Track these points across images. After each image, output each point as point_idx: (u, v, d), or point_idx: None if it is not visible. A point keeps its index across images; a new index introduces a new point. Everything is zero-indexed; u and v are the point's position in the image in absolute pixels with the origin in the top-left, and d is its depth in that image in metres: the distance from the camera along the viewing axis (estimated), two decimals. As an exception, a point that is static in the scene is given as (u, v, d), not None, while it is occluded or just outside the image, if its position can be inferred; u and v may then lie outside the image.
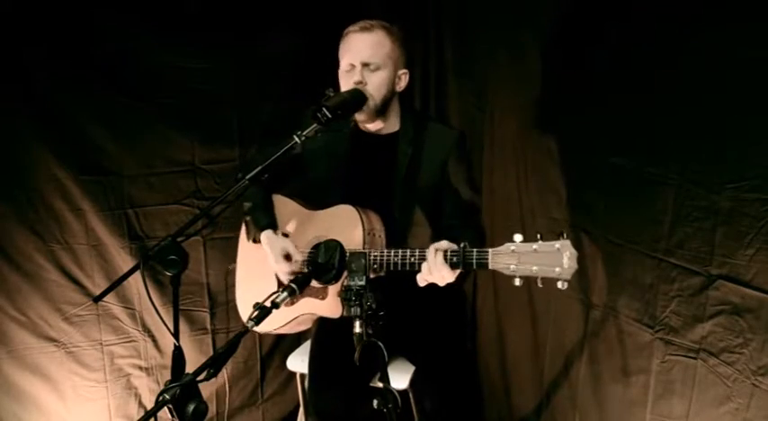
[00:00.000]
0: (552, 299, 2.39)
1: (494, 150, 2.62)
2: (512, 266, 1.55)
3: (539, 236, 1.54)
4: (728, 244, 1.70)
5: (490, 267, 1.58)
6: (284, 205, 2.13)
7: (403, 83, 2.01)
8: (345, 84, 1.94)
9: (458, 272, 1.65)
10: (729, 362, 1.74)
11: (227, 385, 2.78)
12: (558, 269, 1.52)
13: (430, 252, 1.65)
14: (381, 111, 1.98)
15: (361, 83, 1.90)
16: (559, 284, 1.52)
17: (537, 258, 1.53)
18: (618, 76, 1.99)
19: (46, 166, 2.40)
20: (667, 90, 1.83)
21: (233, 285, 2.27)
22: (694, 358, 1.84)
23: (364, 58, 1.91)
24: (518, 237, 1.55)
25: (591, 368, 2.24)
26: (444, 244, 1.66)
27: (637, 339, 2.03)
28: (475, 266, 1.61)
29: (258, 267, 2.08)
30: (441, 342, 2.14)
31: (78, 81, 2.38)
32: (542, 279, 1.54)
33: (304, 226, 2.06)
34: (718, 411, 1.78)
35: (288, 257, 1.98)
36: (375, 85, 1.92)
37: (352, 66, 1.93)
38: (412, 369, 2.12)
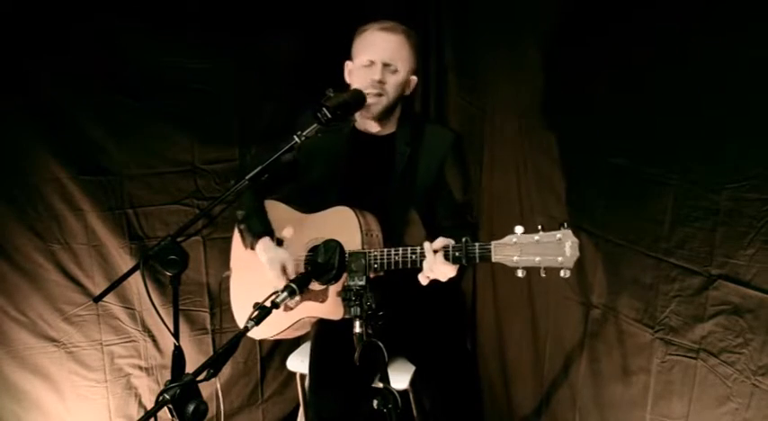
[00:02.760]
0: (552, 299, 2.39)
1: (494, 150, 2.62)
2: (514, 258, 1.56)
3: (540, 227, 1.55)
4: (728, 244, 1.70)
5: (493, 260, 1.59)
6: (278, 210, 2.13)
7: (411, 87, 2.02)
8: (361, 79, 1.93)
9: (457, 266, 1.65)
10: (729, 362, 1.74)
11: (227, 385, 2.78)
12: (560, 258, 1.53)
13: (428, 250, 1.66)
14: (389, 112, 1.98)
15: (381, 82, 1.90)
16: (562, 273, 1.54)
17: (539, 249, 1.54)
18: (618, 76, 1.98)
19: (46, 166, 2.40)
20: (667, 90, 1.83)
21: (228, 288, 2.27)
22: (694, 358, 1.84)
23: (386, 58, 1.91)
24: (519, 229, 1.56)
25: (591, 368, 2.24)
26: (441, 241, 1.66)
27: (637, 339, 2.03)
28: (478, 260, 1.61)
29: (253, 273, 2.07)
30: (441, 342, 2.15)
31: (78, 81, 2.37)
32: (545, 269, 1.54)
33: (299, 229, 2.05)
34: (718, 411, 1.78)
35: (284, 270, 1.98)
36: (392, 86, 1.93)
37: (372, 62, 1.92)
38: (412, 369, 2.12)
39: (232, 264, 2.25)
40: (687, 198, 1.79)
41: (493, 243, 1.60)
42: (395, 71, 1.93)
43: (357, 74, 1.96)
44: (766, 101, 1.57)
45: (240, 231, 2.15)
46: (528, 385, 2.60)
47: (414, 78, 2.01)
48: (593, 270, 2.16)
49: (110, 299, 2.56)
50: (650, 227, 1.92)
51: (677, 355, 1.90)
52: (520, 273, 1.57)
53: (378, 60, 1.91)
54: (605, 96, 2.04)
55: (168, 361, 2.12)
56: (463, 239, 1.63)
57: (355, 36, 1.98)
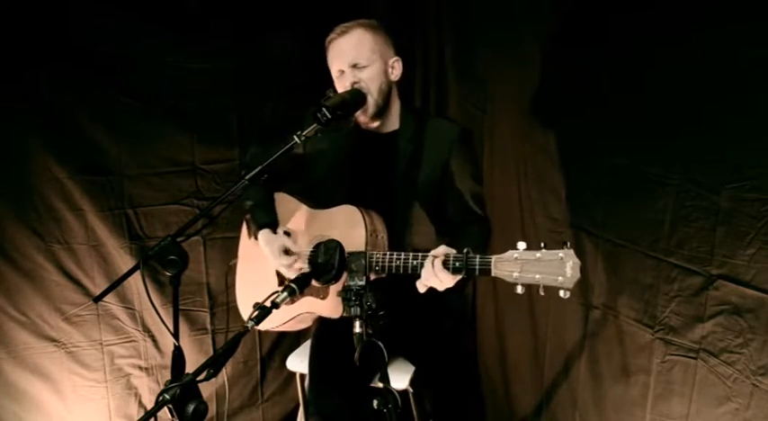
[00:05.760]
0: (552, 299, 2.38)
1: (494, 150, 2.62)
2: (514, 274, 1.55)
3: (542, 244, 1.54)
4: (728, 244, 1.70)
5: (493, 274, 1.58)
6: (286, 203, 2.13)
7: (397, 71, 2.00)
8: (341, 89, 1.96)
9: (458, 277, 1.65)
10: (729, 362, 1.74)
11: (226, 385, 2.78)
12: (560, 278, 1.51)
13: (428, 258, 1.65)
14: (383, 107, 1.97)
15: (356, 83, 1.91)
16: (561, 293, 1.52)
17: (540, 266, 1.53)
18: (618, 76, 1.98)
19: (46, 166, 2.40)
20: (667, 90, 1.83)
21: (232, 285, 2.27)
22: (694, 358, 1.84)
23: (350, 60, 1.92)
24: (521, 245, 1.55)
25: (591, 368, 2.24)
26: (442, 249, 1.66)
27: (637, 339, 2.03)
28: (478, 273, 1.60)
29: (259, 265, 2.08)
30: (441, 342, 2.14)
31: (78, 81, 2.38)
32: (544, 287, 1.54)
33: (306, 224, 2.06)
34: (718, 411, 1.78)
35: (287, 252, 1.98)
36: (368, 81, 1.92)
37: (341, 71, 1.94)
38: (412, 369, 2.12)
39: (240, 253, 2.25)
40: (687, 198, 1.80)
41: (494, 257, 1.59)
42: (364, 67, 1.92)
43: (337, 84, 1.98)
44: (766, 101, 1.57)
45: (246, 221, 2.16)
46: (528, 385, 2.60)
47: (396, 60, 1.99)
48: (593, 270, 2.16)
49: (110, 299, 2.56)
50: (650, 227, 1.92)
51: (677, 355, 1.90)
52: (519, 290, 1.56)
53: (345, 67, 1.93)
54: (605, 96, 2.04)
55: (168, 361, 2.12)
56: (464, 250, 1.62)
57: (326, 49, 1.99)
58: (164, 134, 2.54)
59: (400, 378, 2.08)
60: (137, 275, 1.73)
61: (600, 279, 2.15)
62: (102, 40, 2.38)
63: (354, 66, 1.92)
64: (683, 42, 1.76)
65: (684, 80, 1.77)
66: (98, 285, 2.53)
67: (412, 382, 2.10)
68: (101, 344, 2.60)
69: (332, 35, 1.97)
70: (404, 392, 2.08)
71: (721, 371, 1.76)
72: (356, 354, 1.45)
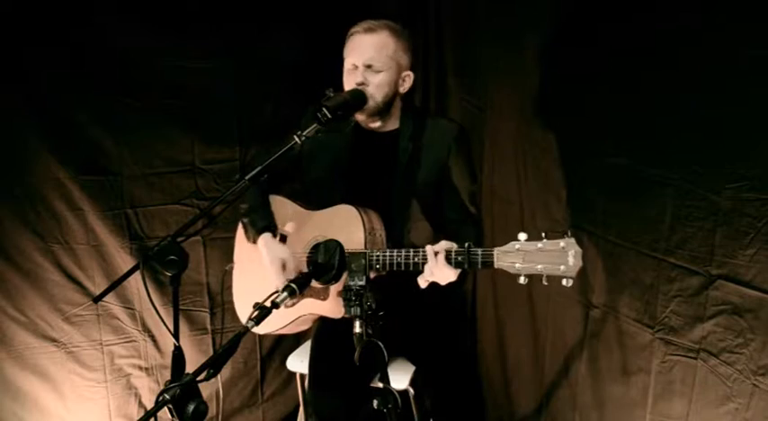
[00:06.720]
0: (552, 299, 2.39)
1: (494, 150, 2.62)
2: (517, 265, 1.56)
3: (543, 234, 1.55)
4: (728, 244, 1.70)
5: (496, 266, 1.59)
6: (283, 206, 2.13)
7: (407, 84, 2.00)
8: (348, 83, 1.95)
9: (459, 271, 1.65)
10: (729, 362, 1.74)
11: (227, 385, 2.78)
12: (563, 267, 1.52)
13: (429, 253, 1.65)
14: (383, 112, 1.97)
15: (362, 84, 1.90)
16: (564, 282, 1.53)
17: (542, 256, 1.54)
18: (618, 76, 1.98)
19: (46, 166, 2.40)
20: (667, 90, 1.83)
21: (230, 286, 2.27)
22: (694, 358, 1.84)
23: (366, 60, 1.91)
24: (522, 236, 1.55)
25: (591, 368, 2.24)
26: (444, 244, 1.66)
27: (637, 339, 2.03)
28: (480, 265, 1.61)
29: (255, 267, 2.08)
30: (441, 342, 2.15)
31: (78, 81, 2.38)
32: (547, 277, 1.54)
33: (303, 226, 2.05)
34: (718, 411, 1.78)
35: (284, 267, 1.98)
36: (376, 87, 1.91)
37: (355, 66, 1.93)
38: (412, 369, 2.12)
39: (235, 256, 2.25)
40: (687, 198, 1.79)
41: (495, 249, 1.59)
42: (378, 71, 1.91)
43: (345, 77, 1.98)
44: (766, 101, 1.57)
45: (243, 225, 2.15)
46: (528, 385, 2.60)
47: (408, 74, 1.99)
48: (593, 270, 2.16)
49: (110, 299, 2.56)
50: (650, 227, 1.92)
51: (677, 355, 1.90)
52: (522, 280, 1.56)
53: (359, 63, 1.92)
54: (605, 96, 2.04)
55: (168, 361, 2.12)
56: (466, 244, 1.62)
57: (345, 40, 1.98)
58: (164, 134, 2.54)
59: (400, 378, 2.08)
60: (137, 275, 1.73)
61: (600, 279, 2.15)
62: (102, 40, 2.38)
63: (369, 66, 1.91)
64: (683, 42, 1.75)
65: (684, 80, 1.77)
66: (98, 285, 2.53)
67: (412, 382, 2.10)
68: (101, 344, 2.60)
69: (356, 28, 1.95)
70: (404, 392, 2.08)
71: (721, 371, 1.76)
72: (356, 354, 1.45)
